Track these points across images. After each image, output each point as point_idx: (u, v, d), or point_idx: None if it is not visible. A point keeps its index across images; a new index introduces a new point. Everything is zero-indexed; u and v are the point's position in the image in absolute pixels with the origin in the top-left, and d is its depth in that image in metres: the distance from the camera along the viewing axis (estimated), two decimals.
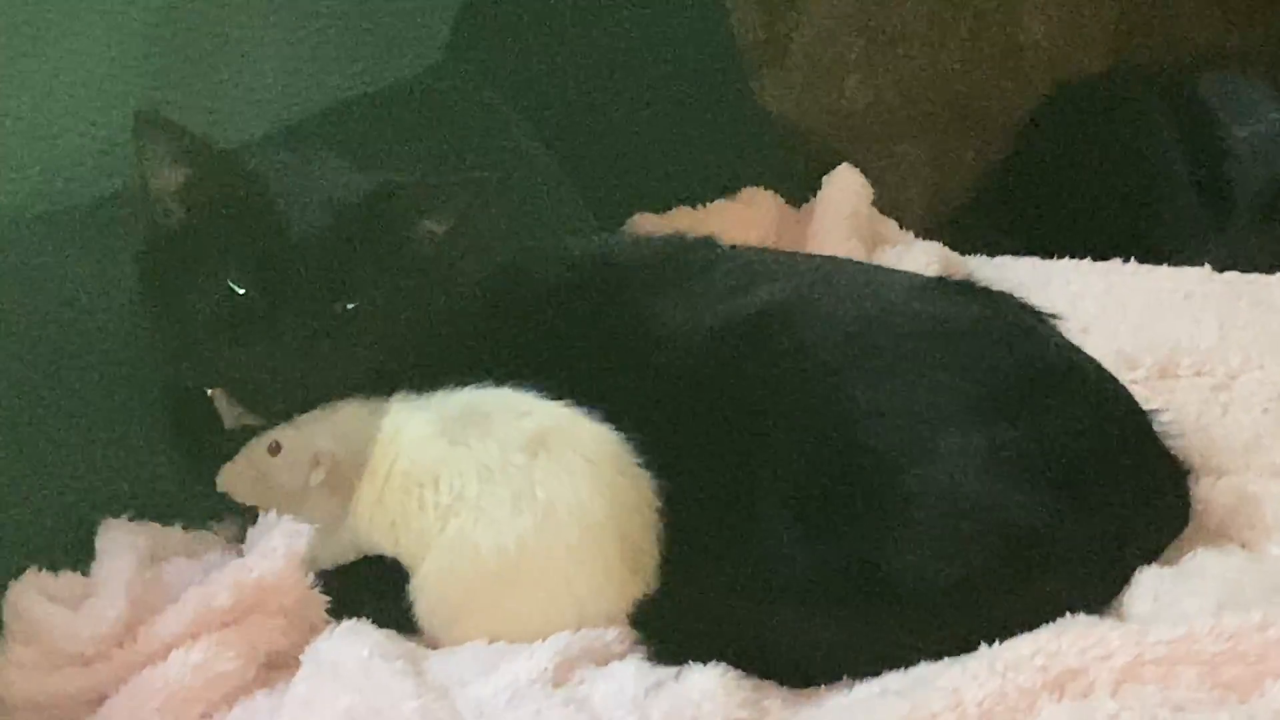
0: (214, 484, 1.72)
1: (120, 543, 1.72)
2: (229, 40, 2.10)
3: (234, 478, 1.73)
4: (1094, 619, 1.54)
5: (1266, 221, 3.12)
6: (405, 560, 1.69)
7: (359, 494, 1.71)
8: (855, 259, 2.36)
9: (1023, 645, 1.46)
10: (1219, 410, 2.05)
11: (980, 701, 1.41)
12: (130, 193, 1.87)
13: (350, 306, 1.72)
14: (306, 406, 1.73)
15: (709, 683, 1.51)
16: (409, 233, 1.78)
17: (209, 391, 1.79)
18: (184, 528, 1.80)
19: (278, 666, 1.64)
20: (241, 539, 1.72)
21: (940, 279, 2.00)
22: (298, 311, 1.70)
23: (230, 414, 1.78)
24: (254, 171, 1.76)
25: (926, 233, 2.71)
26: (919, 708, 1.42)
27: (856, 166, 2.71)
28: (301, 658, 1.61)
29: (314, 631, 1.65)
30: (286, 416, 1.72)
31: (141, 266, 1.78)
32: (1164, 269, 2.48)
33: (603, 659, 1.60)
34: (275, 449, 1.71)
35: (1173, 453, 1.78)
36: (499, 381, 1.73)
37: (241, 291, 1.70)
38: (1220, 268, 2.46)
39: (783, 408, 1.72)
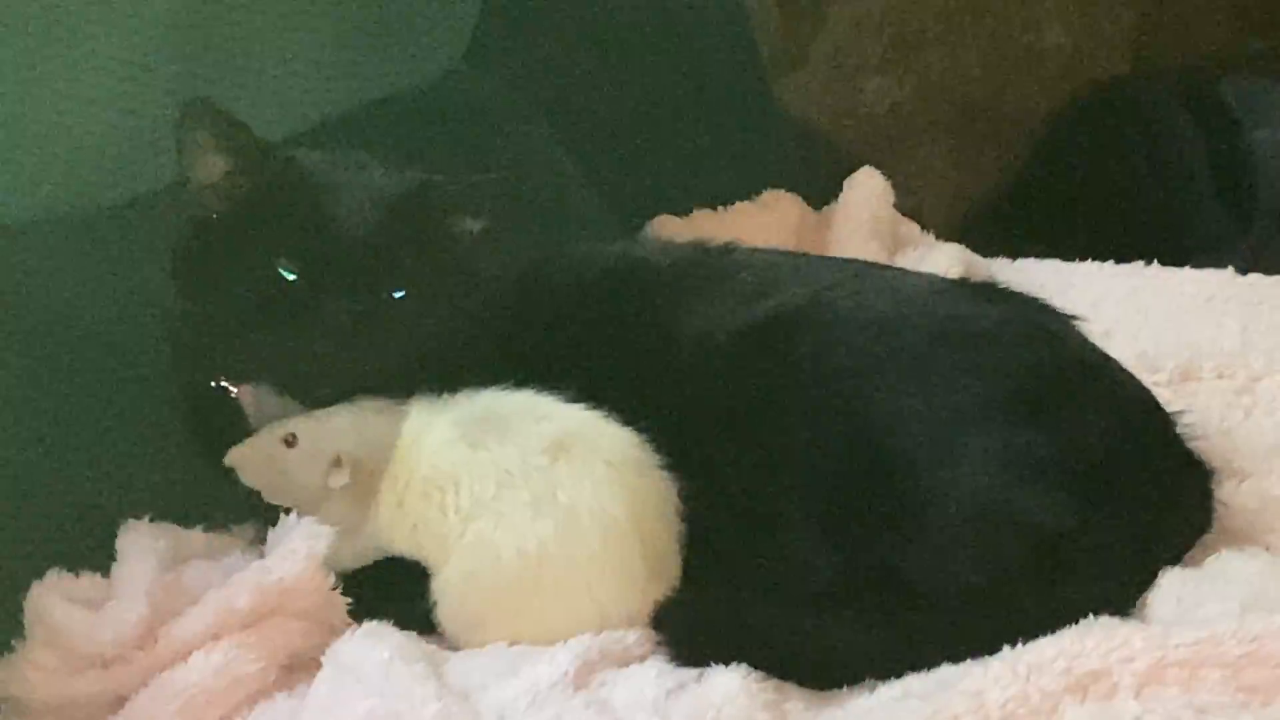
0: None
1: (141, 545, 1.72)
2: (250, 45, 2.10)
3: (244, 460, 1.72)
4: (1117, 621, 1.53)
5: None
6: (426, 563, 1.69)
7: (379, 498, 1.71)
8: (876, 261, 2.36)
9: (1045, 647, 1.45)
10: (1241, 413, 2.04)
11: (1003, 704, 1.40)
12: (166, 185, 1.88)
13: (398, 295, 1.73)
14: (353, 394, 1.73)
15: (730, 685, 1.50)
16: (448, 228, 1.79)
17: (233, 393, 1.78)
18: (205, 530, 1.81)
19: (298, 668, 1.64)
20: (262, 541, 1.72)
21: (961, 281, 2.01)
22: (349, 298, 1.70)
23: (257, 416, 1.78)
24: (298, 161, 1.77)
25: (948, 235, 2.71)
26: (941, 710, 1.41)
27: (878, 169, 2.71)
28: (322, 659, 1.60)
29: (334, 633, 1.64)
30: (331, 404, 1.73)
31: (180, 256, 1.78)
32: (1186, 272, 2.48)
33: (624, 661, 1.60)
34: (291, 441, 1.71)
35: (1195, 455, 1.77)
36: (522, 383, 1.73)
37: (292, 278, 1.70)
38: (1242, 270, 2.46)
39: (804, 410, 1.72)
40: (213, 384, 1.80)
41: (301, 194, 1.74)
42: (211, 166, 1.74)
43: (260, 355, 1.74)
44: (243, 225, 1.74)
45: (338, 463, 1.69)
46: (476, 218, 1.81)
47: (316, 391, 1.74)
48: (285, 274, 1.71)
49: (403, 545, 1.71)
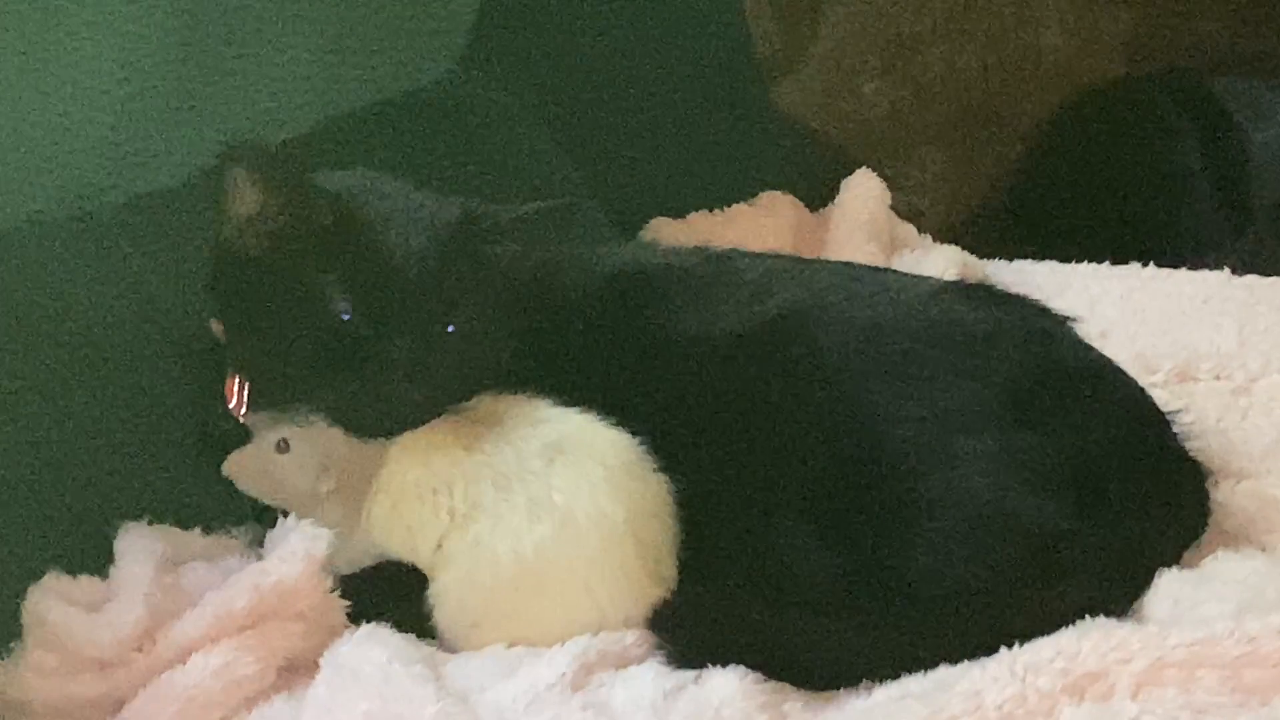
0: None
1: (139, 547, 1.72)
2: (246, 48, 2.10)
3: (240, 467, 1.73)
4: (1114, 622, 1.53)
5: None
6: (422, 567, 1.69)
7: (373, 502, 1.71)
8: (873, 263, 2.36)
9: (1043, 648, 1.45)
10: (1238, 414, 2.04)
11: (1000, 705, 1.41)
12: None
13: (451, 329, 1.72)
14: (409, 429, 1.72)
15: (728, 686, 1.50)
16: (493, 257, 1.78)
17: (241, 418, 1.78)
18: (203, 532, 1.80)
19: (297, 670, 1.64)
20: (261, 543, 1.72)
21: (957, 283, 2.01)
22: (407, 335, 1.69)
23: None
24: (346, 196, 1.74)
25: (945, 237, 2.71)
26: (939, 711, 1.41)
27: (874, 171, 2.72)
28: (321, 662, 1.60)
29: (333, 636, 1.65)
30: (384, 435, 1.72)
31: (224, 293, 1.76)
32: (1183, 273, 2.48)
33: (621, 663, 1.60)
34: (283, 447, 1.71)
35: (1192, 456, 1.78)
36: (521, 386, 1.73)
37: (347, 318, 1.69)
38: (1239, 271, 2.46)
39: (800, 413, 1.72)
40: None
41: (353, 231, 1.71)
42: (255, 204, 1.70)
43: (315, 394, 1.72)
44: (293, 264, 1.71)
45: (324, 468, 1.70)
46: (519, 244, 1.80)
47: (375, 429, 1.72)
48: (340, 314, 1.69)
49: (397, 548, 1.71)
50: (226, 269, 1.75)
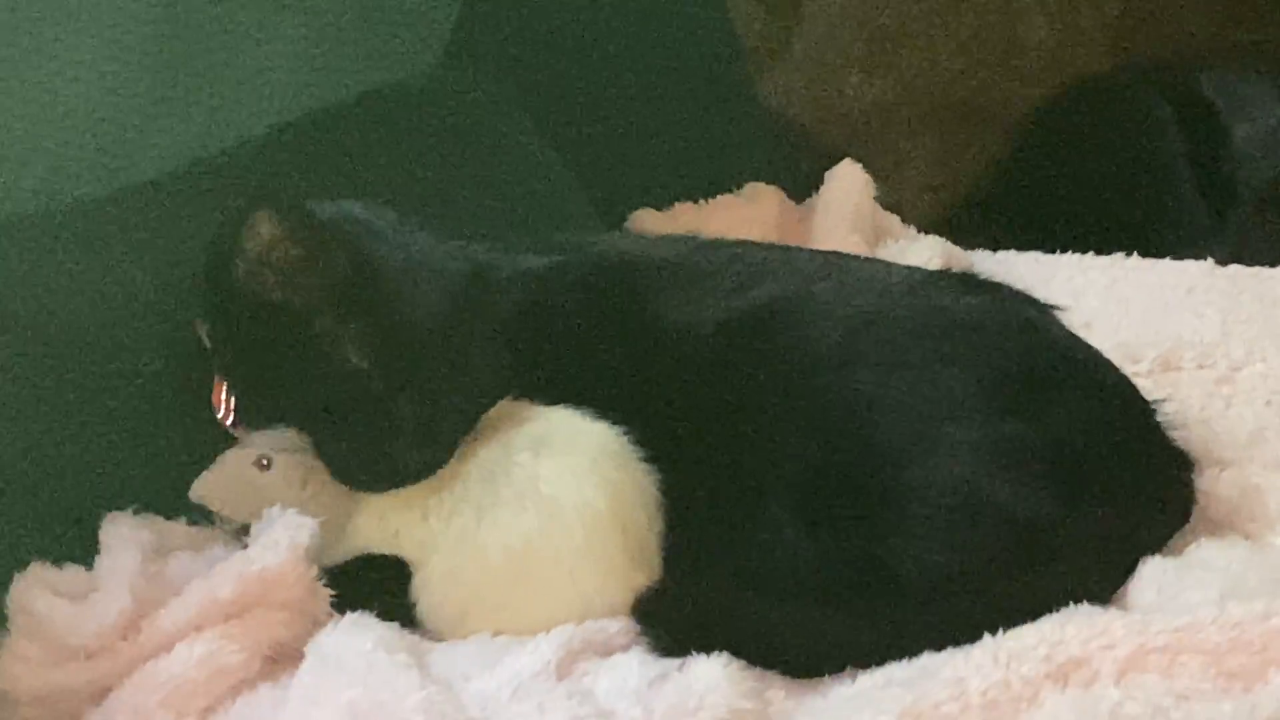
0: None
1: (124, 537, 1.71)
2: (229, 39, 2.10)
3: (212, 488, 1.72)
4: (1098, 609, 1.53)
5: (1269, 216, 3.13)
6: (407, 559, 1.70)
7: (359, 512, 1.71)
8: (857, 254, 2.36)
9: (1026, 635, 1.46)
10: (1222, 403, 2.05)
11: (984, 691, 1.41)
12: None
13: (459, 384, 1.71)
14: (402, 485, 1.70)
15: (712, 674, 1.50)
16: (499, 308, 1.78)
17: (229, 428, 1.78)
18: (188, 522, 1.79)
19: (282, 659, 1.63)
20: (245, 532, 1.72)
21: (942, 272, 2.01)
22: (418, 392, 1.69)
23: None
24: (363, 245, 1.73)
25: (929, 228, 2.71)
26: (922, 698, 1.41)
27: (859, 162, 2.72)
28: (305, 650, 1.60)
29: (317, 625, 1.64)
30: (379, 491, 1.71)
31: (221, 327, 1.76)
32: (1167, 263, 2.49)
33: (606, 651, 1.60)
34: (265, 464, 1.71)
35: (1176, 445, 1.78)
36: (512, 384, 1.73)
37: (361, 367, 1.69)
38: (1222, 261, 2.47)
39: (786, 402, 1.72)
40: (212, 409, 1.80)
41: (368, 279, 1.71)
42: (270, 245, 1.67)
43: (313, 442, 1.72)
44: (309, 313, 1.70)
45: (304, 482, 1.70)
46: (525, 300, 1.80)
47: (366, 485, 1.72)
48: (353, 363, 1.69)
49: (384, 548, 1.71)
50: (231, 304, 1.73)
